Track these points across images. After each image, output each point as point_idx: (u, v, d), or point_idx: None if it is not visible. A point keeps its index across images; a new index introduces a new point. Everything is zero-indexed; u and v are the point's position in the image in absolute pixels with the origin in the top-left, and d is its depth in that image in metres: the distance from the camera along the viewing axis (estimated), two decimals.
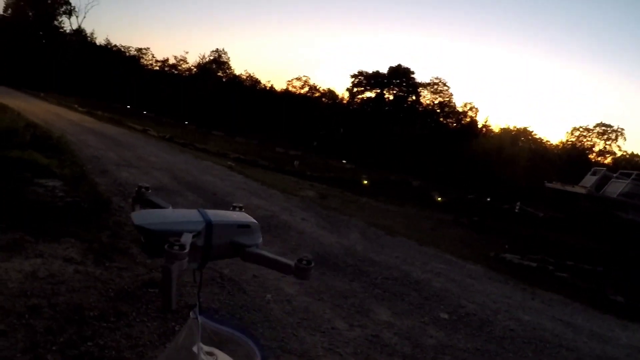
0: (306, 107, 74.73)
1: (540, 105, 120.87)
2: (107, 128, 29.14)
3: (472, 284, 10.42)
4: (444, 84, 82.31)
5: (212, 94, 67.95)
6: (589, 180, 34.59)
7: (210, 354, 2.25)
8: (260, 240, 2.27)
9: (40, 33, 67.84)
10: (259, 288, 7.44)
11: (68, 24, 75.95)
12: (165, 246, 1.77)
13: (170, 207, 2.38)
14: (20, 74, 53.52)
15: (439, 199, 26.60)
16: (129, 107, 55.66)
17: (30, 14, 69.92)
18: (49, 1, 72.17)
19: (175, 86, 69.35)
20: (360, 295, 8.08)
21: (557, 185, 35.34)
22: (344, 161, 45.37)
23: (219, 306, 6.40)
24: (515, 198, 31.38)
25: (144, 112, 52.93)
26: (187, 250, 1.81)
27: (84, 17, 74.25)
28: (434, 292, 9.12)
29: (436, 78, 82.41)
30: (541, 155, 62.92)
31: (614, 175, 33.61)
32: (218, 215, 2.21)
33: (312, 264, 1.98)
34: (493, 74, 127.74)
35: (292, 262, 2.02)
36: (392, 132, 63.65)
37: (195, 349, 2.31)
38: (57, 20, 74.00)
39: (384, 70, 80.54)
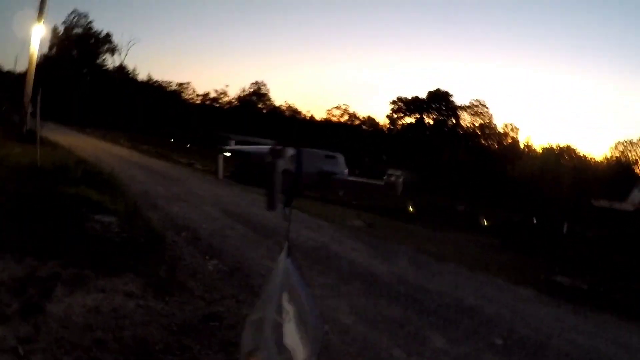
0: (347, 135, 74.92)
1: (582, 120, 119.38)
2: (154, 162, 29.61)
3: (524, 308, 10.29)
4: (484, 106, 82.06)
5: (253, 126, 68.61)
6: (636, 196, 34.10)
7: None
8: (346, 170, 2.56)
9: (85, 71, 69.46)
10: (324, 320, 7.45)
11: (111, 62, 77.59)
12: (270, 148, 2.29)
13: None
14: (66, 110, 54.72)
15: (486, 222, 26.34)
16: (172, 141, 56.47)
17: (74, 52, 71.79)
18: (92, 40, 74.02)
19: (216, 119, 70.14)
20: (415, 323, 8.06)
21: (604, 204, 34.88)
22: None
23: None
24: (562, 218, 30.87)
25: (187, 146, 53.65)
26: (288, 153, 2.18)
27: (126, 54, 75.51)
28: (487, 318, 9.05)
29: (475, 100, 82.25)
30: (586, 172, 62.02)
31: None
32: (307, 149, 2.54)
33: (401, 179, 2.24)
34: (532, 93, 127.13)
35: (380, 182, 2.29)
36: (434, 157, 63.47)
37: (284, 297, 2.49)
38: (100, 58, 75.92)
39: (423, 95, 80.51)
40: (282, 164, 2.19)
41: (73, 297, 6.36)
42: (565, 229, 27.45)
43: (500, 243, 20.38)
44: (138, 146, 40.12)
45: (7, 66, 61.27)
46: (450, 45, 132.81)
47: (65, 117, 50.10)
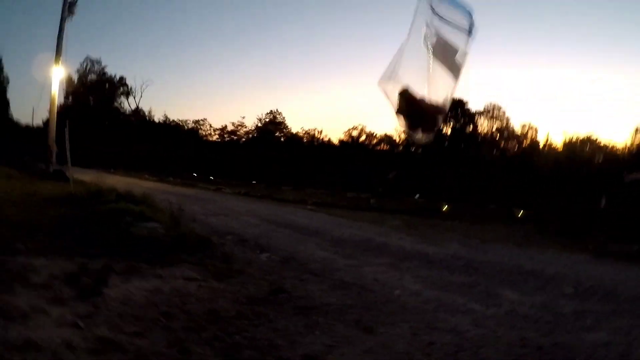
0: (367, 154, 74.82)
1: (599, 111, 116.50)
2: (183, 190, 29.65)
3: (584, 268, 10.60)
4: (499, 109, 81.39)
5: (273, 154, 68.73)
6: None
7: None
8: None
9: (102, 116, 70.02)
10: (384, 287, 7.43)
11: (127, 104, 78.25)
12: None
13: None
14: (88, 155, 54.96)
15: (520, 213, 26.09)
16: (195, 175, 56.66)
17: (90, 99, 72.59)
18: (107, 85, 74.82)
19: (237, 151, 70.41)
20: (483, 284, 8.13)
21: (637, 175, 34.14)
22: (416, 196, 45.14)
23: (351, 303, 6.30)
24: (597, 194, 30.51)
25: (211, 178, 53.80)
26: None
27: (141, 96, 75.95)
28: (551, 276, 9.27)
29: (490, 104, 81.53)
30: (609, 159, 61.55)
31: None
32: None
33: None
34: (544, 90, 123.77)
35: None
36: (456, 165, 63.07)
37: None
38: (116, 101, 76.64)
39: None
40: None
41: (130, 283, 6.20)
42: (603, 204, 27.12)
43: (539, 229, 20.27)
44: (164, 179, 40.19)
45: (25, 121, 61.84)
46: None
47: (88, 162, 50.28)
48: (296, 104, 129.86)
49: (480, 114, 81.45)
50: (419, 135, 3.03)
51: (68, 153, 16.68)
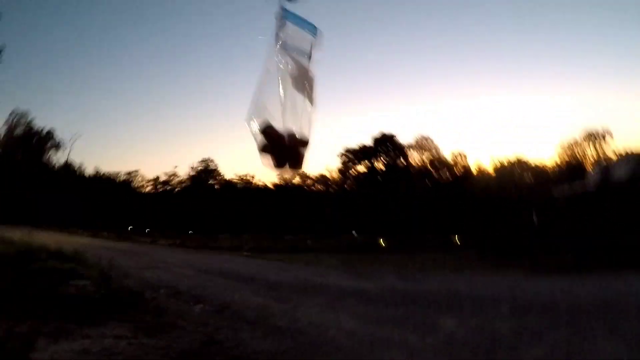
0: (302, 195, 75.07)
1: (527, 131, 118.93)
2: (117, 244, 29.16)
3: (519, 285, 11.17)
4: (427, 139, 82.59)
5: (209, 202, 68.19)
6: (591, 176, 35.02)
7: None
8: None
9: (30, 170, 68.13)
10: (319, 329, 7.39)
11: (56, 159, 76.29)
12: None
13: None
14: (16, 211, 53.27)
15: (457, 239, 26.57)
16: (130, 228, 55.72)
17: (18, 154, 70.59)
18: (35, 139, 72.88)
19: (171, 201, 69.72)
20: (419, 314, 8.39)
21: (564, 190, 35.05)
22: (353, 233, 45.25)
23: (284, 349, 6.21)
24: (528, 215, 31.22)
25: (146, 231, 52.97)
26: None
27: (70, 150, 74.16)
28: (487, 298, 9.73)
29: (419, 135, 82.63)
30: (541, 176, 63.20)
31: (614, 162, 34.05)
32: None
33: None
34: (472, 117, 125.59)
35: None
36: (391, 199, 63.72)
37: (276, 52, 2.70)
38: (45, 156, 74.66)
39: (369, 142, 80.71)
40: None
41: (58, 345, 5.94)
42: (535, 220, 27.78)
43: (475, 253, 20.70)
44: (98, 234, 39.27)
45: None
46: (382, 89, 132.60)
47: (17, 219, 48.63)
48: (229, 150, 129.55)
49: (411, 146, 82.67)
50: (287, 172, 3.01)
51: None
